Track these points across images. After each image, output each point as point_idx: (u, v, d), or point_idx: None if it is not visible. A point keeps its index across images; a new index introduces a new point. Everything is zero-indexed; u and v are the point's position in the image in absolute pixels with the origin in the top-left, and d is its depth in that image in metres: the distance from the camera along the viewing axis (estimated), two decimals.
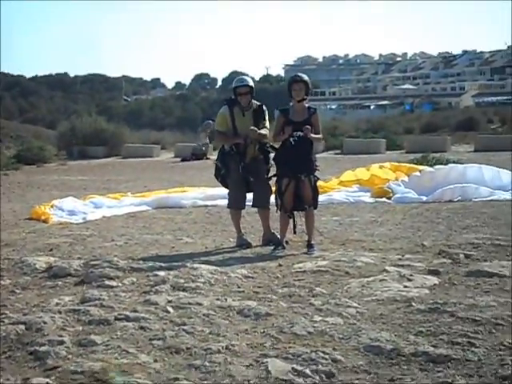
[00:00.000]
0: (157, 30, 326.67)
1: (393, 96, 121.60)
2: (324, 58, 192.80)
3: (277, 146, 9.65)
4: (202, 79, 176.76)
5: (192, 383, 4.57)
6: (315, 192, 9.52)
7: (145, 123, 77.52)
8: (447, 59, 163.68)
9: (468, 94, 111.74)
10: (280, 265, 8.34)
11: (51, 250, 9.81)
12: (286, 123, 9.25)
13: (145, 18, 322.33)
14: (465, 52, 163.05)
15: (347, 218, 12.51)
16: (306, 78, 9.53)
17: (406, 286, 6.95)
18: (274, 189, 9.76)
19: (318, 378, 4.64)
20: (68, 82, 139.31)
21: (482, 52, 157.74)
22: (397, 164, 18.80)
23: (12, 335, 5.63)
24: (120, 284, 7.34)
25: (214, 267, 8.00)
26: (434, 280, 7.23)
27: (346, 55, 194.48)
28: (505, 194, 14.71)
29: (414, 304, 6.28)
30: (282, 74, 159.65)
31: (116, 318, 5.98)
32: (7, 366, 5.07)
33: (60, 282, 7.59)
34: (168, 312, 6.21)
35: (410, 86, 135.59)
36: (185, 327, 5.73)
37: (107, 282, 7.37)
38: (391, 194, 15.28)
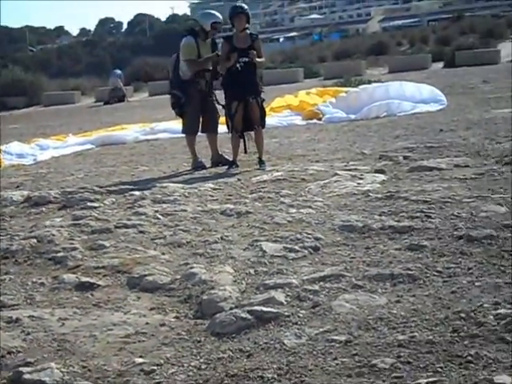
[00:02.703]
0: None
1: (301, 27, 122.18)
2: None
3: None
4: (107, 24, 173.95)
5: (203, 267, 5.38)
6: (263, 112, 10.29)
7: (54, 72, 76.27)
8: None
9: (374, 20, 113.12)
10: (239, 179, 9.14)
11: (18, 186, 10.36)
12: (231, 50, 9.95)
13: None
14: None
15: (285, 139, 13.32)
16: (245, 7, 10.25)
17: (359, 183, 7.86)
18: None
19: (306, 251, 5.55)
20: None
21: None
22: (322, 89, 19.72)
23: (27, 247, 6.36)
24: (102, 204, 8.05)
25: (182, 185, 8.77)
26: (382, 177, 8.17)
27: None
28: (426, 107, 15.75)
29: (371, 194, 7.22)
30: (188, 12, 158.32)
31: (116, 227, 6.77)
32: (32, 270, 5.82)
33: (44, 209, 8.24)
34: (159, 219, 7.02)
35: (317, 16, 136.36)
36: (179, 227, 6.56)
37: (90, 204, 8.06)
38: (321, 116, 16.13)
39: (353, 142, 11.65)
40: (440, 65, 34.44)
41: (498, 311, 4.05)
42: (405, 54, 42.07)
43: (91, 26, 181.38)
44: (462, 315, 4.07)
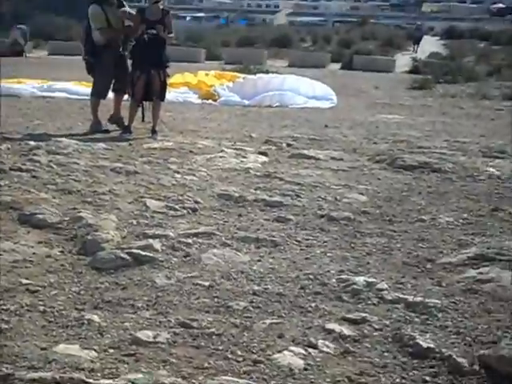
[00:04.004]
0: None
1: (209, 9, 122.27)
2: None
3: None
4: None
5: (90, 213, 5.92)
6: (163, 86, 10.79)
7: None
8: None
9: (282, 12, 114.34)
10: (131, 144, 9.66)
11: None
12: (142, 21, 10.41)
13: None
14: None
15: (179, 114, 13.82)
16: None
17: (242, 161, 8.51)
18: None
19: (185, 211, 6.18)
20: None
21: None
22: (221, 72, 20.32)
23: None
24: None
25: (76, 141, 9.23)
26: (264, 159, 8.84)
27: None
28: (317, 103, 16.56)
29: (251, 172, 7.89)
30: None
31: (10, 169, 7.23)
32: None
33: None
34: (52, 167, 7.50)
35: (227, 0, 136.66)
36: (71, 177, 7.09)
37: None
38: (217, 97, 16.73)
39: (243, 126, 12.28)
40: (338, 66, 35.50)
41: (341, 276, 4.75)
42: (306, 51, 43.08)
43: None
44: (311, 276, 4.75)
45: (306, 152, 9.35)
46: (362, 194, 7.10)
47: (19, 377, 3.29)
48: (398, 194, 7.20)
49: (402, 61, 36.53)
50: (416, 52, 42.20)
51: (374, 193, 7.17)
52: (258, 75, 18.64)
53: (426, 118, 14.70)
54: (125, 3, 11.03)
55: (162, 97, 10.86)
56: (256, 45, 43.93)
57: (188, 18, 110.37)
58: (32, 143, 8.82)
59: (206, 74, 18.97)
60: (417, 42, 44.52)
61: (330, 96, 17.32)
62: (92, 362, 3.50)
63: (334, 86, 18.90)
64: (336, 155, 9.36)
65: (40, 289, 4.40)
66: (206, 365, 3.54)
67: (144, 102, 10.84)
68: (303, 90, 17.33)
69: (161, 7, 10.62)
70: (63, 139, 9.27)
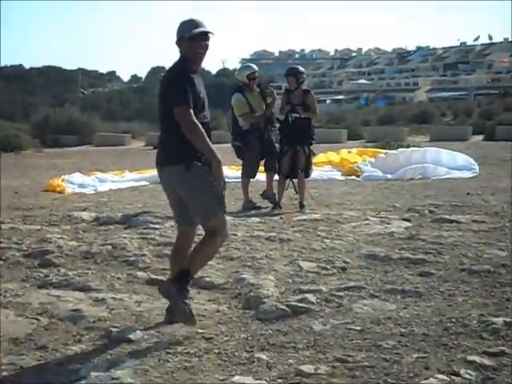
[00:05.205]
0: (113, 24, 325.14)
1: (348, 91, 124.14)
2: (280, 52, 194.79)
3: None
4: (158, 72, 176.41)
5: (250, 275, 6.61)
6: (308, 161, 11.54)
7: (103, 115, 78.11)
8: (401, 55, 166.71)
9: (422, 90, 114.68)
10: (281, 218, 10.38)
11: (84, 209, 11.66)
12: (287, 102, 11.29)
13: (101, 12, 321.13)
14: (418, 48, 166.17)
15: (325, 190, 14.52)
16: (296, 69, 11.57)
17: (386, 227, 9.07)
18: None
19: (335, 270, 6.80)
20: (23, 74, 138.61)
21: (435, 48, 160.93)
22: (363, 149, 21.02)
23: (104, 252, 7.65)
24: (163, 226, 9.32)
25: (231, 217, 10.00)
26: (407, 224, 9.37)
27: (302, 50, 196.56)
28: (459, 173, 16.90)
29: (394, 235, 8.44)
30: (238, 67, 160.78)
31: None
32: (109, 268, 7.09)
33: (112, 227, 9.55)
34: None
35: (365, 81, 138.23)
36: (230, 246, 7.85)
37: (152, 226, 9.35)
38: (360, 173, 17.35)
39: (386, 197, 12.81)
40: (480, 137, 35.55)
41: (481, 318, 5.22)
42: (447, 125, 43.28)
43: (143, 73, 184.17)
44: (453, 320, 5.24)
45: (447, 217, 9.79)
46: (502, 249, 7.51)
47: None
48: None
49: None
50: None
51: None
52: (400, 150, 19.19)
53: None
54: (264, 87, 11.95)
55: (307, 172, 11.56)
56: (396, 123, 44.45)
57: (328, 101, 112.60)
58: None
59: (349, 152, 19.71)
60: None
61: (471, 166, 17.62)
62: None
63: (476, 157, 19.24)
64: (477, 218, 9.75)
65: (214, 336, 5.08)
66: None
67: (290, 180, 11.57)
68: (444, 161, 17.71)
69: (303, 87, 11.44)
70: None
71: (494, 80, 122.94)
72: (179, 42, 5.40)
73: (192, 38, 5.30)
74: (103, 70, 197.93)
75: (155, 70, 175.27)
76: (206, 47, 5.41)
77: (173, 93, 5.26)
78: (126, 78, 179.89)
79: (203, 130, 5.18)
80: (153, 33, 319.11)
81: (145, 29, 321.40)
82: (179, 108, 5.17)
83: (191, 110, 5.17)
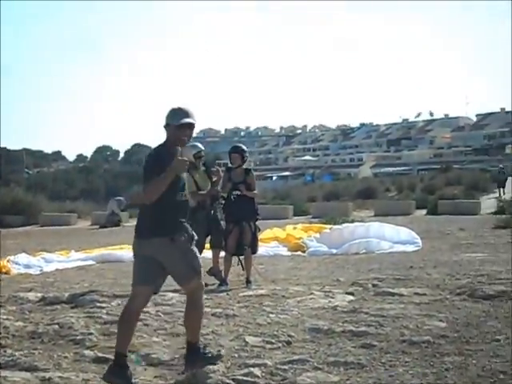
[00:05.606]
0: (57, 104, 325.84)
1: (294, 167, 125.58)
2: (226, 130, 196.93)
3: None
4: (103, 151, 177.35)
5: None
6: (254, 237, 11.73)
7: (49, 195, 77.82)
8: (345, 131, 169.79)
9: (366, 165, 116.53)
10: (228, 294, 10.50)
11: (30, 290, 11.65)
12: (228, 180, 11.52)
13: (42, 91, 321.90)
14: (362, 125, 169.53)
15: (271, 266, 14.70)
16: (241, 147, 11.84)
17: (330, 301, 9.24)
18: None
19: (280, 344, 6.95)
20: None
21: (378, 125, 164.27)
22: (308, 225, 21.38)
23: (51, 331, 7.69)
24: (109, 305, 9.37)
25: (178, 294, 10.10)
26: (351, 297, 9.56)
27: (248, 127, 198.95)
28: (402, 247, 17.22)
29: (338, 309, 8.62)
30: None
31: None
32: (57, 348, 7.14)
33: (59, 307, 9.56)
34: (160, 316, 8.41)
35: (311, 158, 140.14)
36: (177, 322, 7.91)
37: (98, 304, 9.40)
38: (305, 249, 17.61)
39: (331, 272, 13.03)
40: (423, 212, 36.19)
41: None
42: (391, 200, 44.02)
43: (88, 152, 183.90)
44: None
45: (390, 290, 10.00)
46: (441, 321, 7.73)
47: None
48: (475, 319, 7.79)
49: (488, 203, 37.00)
50: (502, 195, 42.25)
51: (454, 320, 7.78)
52: (344, 225, 19.53)
53: (510, 254, 15.18)
54: (209, 165, 12.15)
55: (254, 249, 11.74)
56: (342, 198, 45.06)
57: (274, 178, 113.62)
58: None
59: (294, 228, 20.02)
60: (501, 185, 44.65)
61: (414, 240, 17.98)
62: None
63: (419, 231, 19.64)
64: (419, 291, 9.97)
65: None
66: None
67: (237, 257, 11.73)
68: (388, 235, 18.05)
69: (244, 167, 11.68)
70: (167, 293, 10.16)
71: (436, 155, 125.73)
72: (167, 127, 6.08)
73: (179, 127, 6.02)
74: (49, 149, 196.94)
75: (100, 150, 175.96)
76: (191, 135, 6.18)
77: (145, 175, 5.99)
78: (71, 157, 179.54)
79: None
80: (98, 112, 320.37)
81: (90, 109, 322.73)
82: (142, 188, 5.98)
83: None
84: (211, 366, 6.13)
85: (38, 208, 42.19)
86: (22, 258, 16.52)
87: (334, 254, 16.69)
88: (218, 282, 11.65)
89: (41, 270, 15.31)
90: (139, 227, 6.16)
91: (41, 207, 42.93)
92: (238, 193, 11.45)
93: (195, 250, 6.30)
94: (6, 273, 14.96)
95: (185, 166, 6.06)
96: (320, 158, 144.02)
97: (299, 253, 17.29)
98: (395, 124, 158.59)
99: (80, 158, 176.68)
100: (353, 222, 21.94)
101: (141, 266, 6.16)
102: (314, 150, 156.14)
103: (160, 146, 6.14)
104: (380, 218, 29.77)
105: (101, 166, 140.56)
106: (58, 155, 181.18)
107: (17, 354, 6.91)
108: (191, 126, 6.11)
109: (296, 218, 34.92)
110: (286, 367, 6.11)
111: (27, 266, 15.80)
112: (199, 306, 6.29)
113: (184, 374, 6.16)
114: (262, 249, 17.27)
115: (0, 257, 16.54)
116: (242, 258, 11.76)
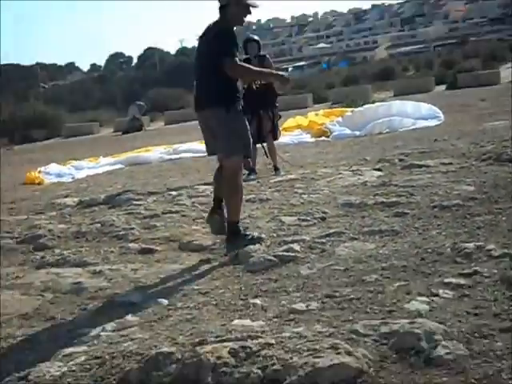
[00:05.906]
0: (67, 14, 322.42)
1: (309, 56, 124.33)
2: None
3: None
4: (117, 59, 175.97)
5: None
6: (274, 124, 11.89)
7: (67, 108, 77.99)
8: (358, 15, 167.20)
9: (381, 47, 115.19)
10: (258, 181, 10.74)
11: (66, 196, 11.94)
12: None
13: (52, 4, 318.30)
14: (374, 6, 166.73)
15: (297, 153, 14.91)
16: (256, 37, 11.92)
17: (359, 178, 9.45)
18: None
19: (315, 221, 7.20)
20: None
21: (390, 5, 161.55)
22: (329, 110, 21.46)
23: (94, 230, 7.99)
24: (146, 202, 9.64)
25: (210, 186, 10.34)
26: (379, 173, 9.76)
27: (259, 20, 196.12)
28: (425, 122, 17.34)
29: (368, 184, 8.83)
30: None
31: (162, 213, 8.43)
32: (102, 244, 7.44)
33: (97, 208, 9.85)
34: (196, 206, 8.72)
35: (325, 45, 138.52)
36: None
37: (135, 202, 9.67)
38: (329, 134, 17.78)
39: (357, 153, 13.21)
40: (443, 87, 36.08)
41: (455, 246, 5.62)
42: (410, 78, 43.77)
43: (101, 61, 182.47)
44: (429, 250, 5.64)
45: (417, 162, 10.18)
46: (469, 185, 7.91)
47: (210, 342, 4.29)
48: (503, 180, 7.96)
49: (507, 72, 36.76)
50: None
51: (481, 183, 7.95)
52: (365, 106, 19.61)
53: None
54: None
55: (274, 134, 11.91)
56: (360, 82, 44.87)
57: (290, 69, 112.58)
58: (174, 193, 10.02)
59: (316, 114, 20.12)
60: None
61: (436, 114, 18.07)
62: (261, 327, 4.47)
63: (441, 105, 19.67)
64: (445, 161, 10.14)
65: (209, 290, 5.45)
66: (350, 318, 4.45)
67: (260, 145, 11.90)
68: (410, 112, 18.18)
69: (260, 53, 11.77)
70: (199, 186, 10.43)
71: (452, 30, 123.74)
72: (227, 7, 6.45)
73: (246, 6, 6.52)
74: (62, 62, 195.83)
75: (113, 57, 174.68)
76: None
77: (220, 44, 6.31)
78: (85, 67, 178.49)
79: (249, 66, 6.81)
80: (108, 19, 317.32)
81: (100, 16, 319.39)
82: (227, 60, 6.26)
83: (237, 59, 6.34)
84: (252, 246, 6.39)
85: (60, 120, 42.53)
86: (53, 167, 16.83)
87: (357, 136, 16.86)
88: (246, 173, 11.86)
89: (72, 178, 15.63)
90: (196, 98, 6.75)
91: (62, 119, 43.23)
92: (259, 82, 11.51)
93: (248, 127, 6.83)
94: (39, 183, 15.29)
95: (286, 86, 6.81)
96: (334, 44, 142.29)
97: (323, 138, 17.44)
98: (408, 1, 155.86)
99: (94, 67, 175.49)
100: (373, 103, 21.96)
101: (204, 138, 6.85)
102: (328, 36, 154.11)
103: (225, 25, 6.46)
104: (400, 97, 29.74)
105: (115, 73, 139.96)
106: (71, 66, 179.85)
107: (65, 252, 7.24)
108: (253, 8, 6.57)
109: (316, 105, 34.98)
110: (323, 240, 6.36)
111: (59, 175, 16.12)
112: (233, 184, 6.53)
113: (227, 255, 6.44)
114: (286, 138, 17.61)
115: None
116: (265, 145, 11.94)
